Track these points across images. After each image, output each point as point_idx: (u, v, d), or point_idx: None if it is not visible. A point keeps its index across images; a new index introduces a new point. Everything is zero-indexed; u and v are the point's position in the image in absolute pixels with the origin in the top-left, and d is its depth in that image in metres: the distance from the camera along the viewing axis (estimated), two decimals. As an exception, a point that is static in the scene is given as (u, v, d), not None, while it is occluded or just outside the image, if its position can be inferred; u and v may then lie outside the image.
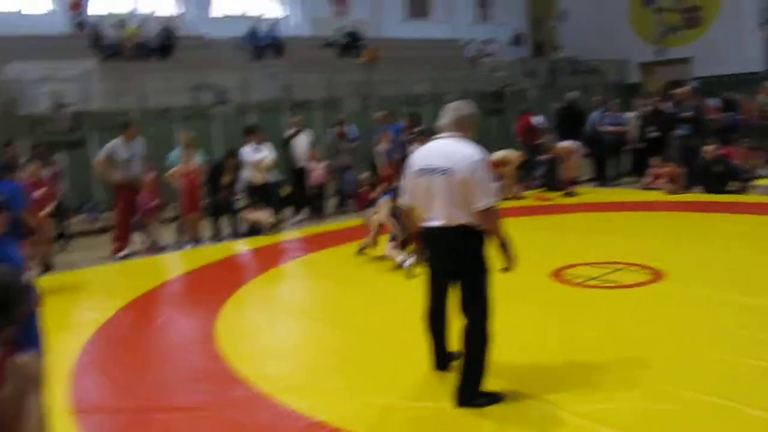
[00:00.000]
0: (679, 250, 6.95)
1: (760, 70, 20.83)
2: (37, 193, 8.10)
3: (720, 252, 6.86)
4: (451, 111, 3.91)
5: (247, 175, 9.75)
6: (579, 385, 3.88)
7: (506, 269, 3.82)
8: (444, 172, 3.69)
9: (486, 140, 15.01)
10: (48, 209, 8.25)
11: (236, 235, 9.72)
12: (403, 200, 4.09)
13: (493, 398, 3.74)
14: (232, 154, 9.69)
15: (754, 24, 20.90)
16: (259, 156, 9.73)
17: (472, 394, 3.72)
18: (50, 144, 10.86)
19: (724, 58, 21.11)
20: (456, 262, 3.77)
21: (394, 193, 7.54)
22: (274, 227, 9.65)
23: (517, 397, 3.76)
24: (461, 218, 3.69)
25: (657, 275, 6.04)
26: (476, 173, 3.63)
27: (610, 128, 12.14)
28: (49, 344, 5.32)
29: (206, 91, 15.05)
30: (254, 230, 9.63)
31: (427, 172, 3.77)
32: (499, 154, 10.88)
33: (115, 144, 8.90)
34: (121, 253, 8.83)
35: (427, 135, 11.43)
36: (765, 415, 3.37)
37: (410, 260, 6.67)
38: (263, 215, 9.64)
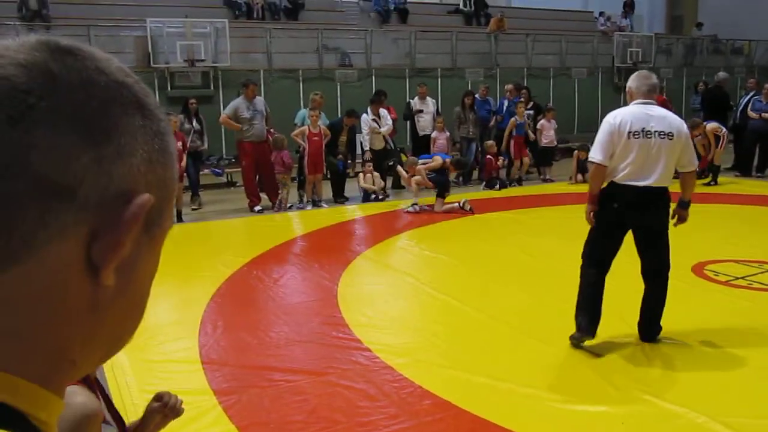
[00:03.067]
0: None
1: None
2: (177, 145, 8.38)
3: None
4: (643, 78, 4.19)
5: (367, 140, 9.81)
6: (733, 395, 3.54)
7: (678, 222, 4.34)
8: (667, 136, 4.01)
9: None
10: (183, 161, 8.51)
11: (347, 198, 9.83)
12: (596, 158, 4.16)
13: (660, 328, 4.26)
14: (350, 114, 9.71)
15: None
16: (381, 127, 9.78)
17: (658, 330, 4.24)
18: (182, 98, 11.22)
19: None
20: (661, 220, 4.13)
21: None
22: (385, 194, 9.66)
23: (664, 400, 3.47)
24: (668, 180, 4.10)
25: (815, 281, 5.46)
26: (688, 138, 4.16)
27: (760, 114, 11.10)
28: (180, 295, 5.56)
29: (331, 53, 15.14)
30: (368, 196, 9.67)
31: (648, 134, 4.01)
32: None
33: (238, 102, 9.08)
34: (257, 208, 9.05)
35: (547, 110, 11.13)
36: None
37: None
38: (376, 181, 9.68)
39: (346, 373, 3.94)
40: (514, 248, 6.82)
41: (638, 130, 4.00)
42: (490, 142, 10.71)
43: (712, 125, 10.58)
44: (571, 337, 4.21)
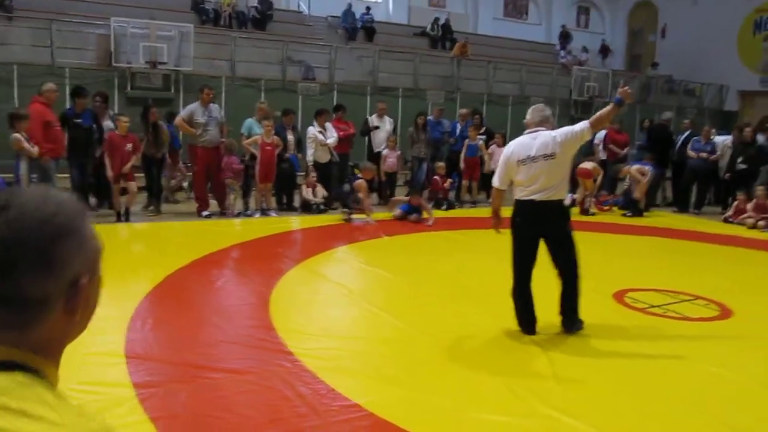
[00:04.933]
0: (752, 290, 6.63)
1: None
2: (127, 147, 8.46)
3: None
4: (537, 111, 4.91)
5: (312, 153, 10.02)
6: (624, 411, 3.78)
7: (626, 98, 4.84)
8: (550, 156, 4.64)
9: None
10: (130, 163, 8.57)
11: (291, 208, 10.02)
12: (495, 183, 5.08)
13: (581, 323, 4.95)
14: (286, 112, 10.11)
15: None
16: (326, 138, 9.99)
17: (577, 320, 4.90)
18: (142, 99, 11.25)
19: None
20: (562, 228, 4.81)
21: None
22: (325, 207, 9.85)
23: (563, 414, 3.68)
24: (562, 192, 4.84)
25: (725, 313, 5.78)
26: (567, 138, 4.68)
27: (698, 154, 11.64)
28: (114, 293, 5.62)
29: (295, 65, 15.32)
30: (307, 206, 9.84)
31: (534, 159, 4.66)
32: (589, 165, 10.74)
33: (194, 107, 9.17)
34: (205, 213, 9.13)
35: (492, 135, 11.47)
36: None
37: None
38: (320, 192, 9.89)
39: (266, 373, 4.07)
40: (450, 266, 7.05)
41: (525, 157, 4.75)
42: (440, 164, 11.00)
43: (636, 167, 11.18)
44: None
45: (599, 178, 11.00)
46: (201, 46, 14.04)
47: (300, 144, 10.25)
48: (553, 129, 4.85)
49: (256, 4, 17.07)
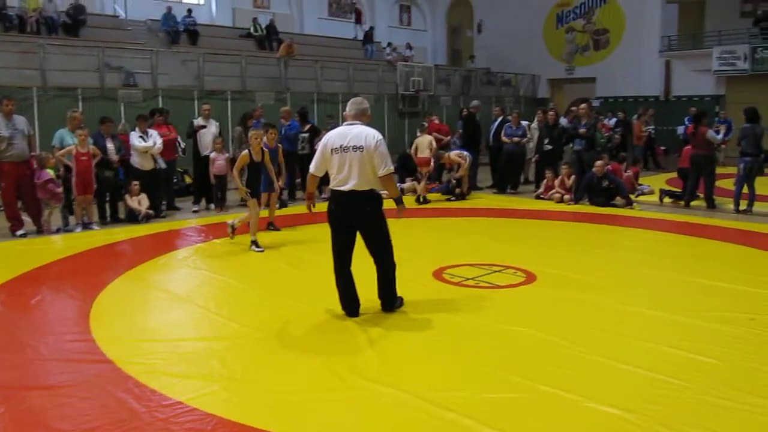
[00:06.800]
0: (555, 257, 7.36)
1: (658, 94, 22.19)
2: None
3: (594, 259, 7.30)
4: (355, 104, 5.15)
5: (136, 161, 9.74)
6: (436, 374, 4.11)
7: (398, 217, 5.20)
8: (359, 149, 4.90)
9: (401, 142, 15.57)
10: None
11: (116, 220, 9.71)
12: (311, 169, 5.24)
13: (401, 300, 5.38)
14: (102, 120, 9.83)
15: (654, 51, 22.22)
16: (147, 143, 9.72)
17: (395, 300, 5.30)
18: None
19: (625, 81, 22.42)
20: (370, 217, 5.04)
21: None
22: (151, 216, 9.65)
23: (373, 385, 3.94)
24: (369, 184, 4.96)
25: (530, 278, 6.40)
26: (377, 149, 4.91)
27: (511, 139, 12.60)
28: None
29: (114, 72, 14.71)
30: (132, 216, 9.57)
31: (345, 149, 4.92)
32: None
33: None
34: (19, 232, 8.54)
35: (317, 132, 11.75)
36: (601, 408, 3.61)
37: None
38: (143, 202, 9.65)
39: (84, 385, 3.98)
40: (280, 261, 7.17)
41: (338, 146, 4.99)
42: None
43: (454, 153, 12.07)
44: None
45: (431, 166, 11.59)
46: (5, 55, 13.12)
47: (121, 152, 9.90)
48: (368, 121, 5.12)
49: (66, 9, 16.15)
